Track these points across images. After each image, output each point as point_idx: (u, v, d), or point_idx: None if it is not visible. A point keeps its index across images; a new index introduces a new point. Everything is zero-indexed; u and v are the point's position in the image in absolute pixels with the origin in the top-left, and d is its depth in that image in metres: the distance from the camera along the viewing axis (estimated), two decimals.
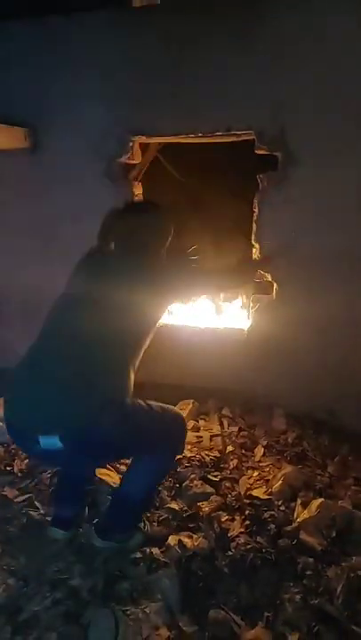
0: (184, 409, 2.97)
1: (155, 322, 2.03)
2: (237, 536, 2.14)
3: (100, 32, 2.67)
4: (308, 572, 1.95)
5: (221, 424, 2.91)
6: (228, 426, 2.92)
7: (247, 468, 2.60)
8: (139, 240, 2.05)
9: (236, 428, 2.89)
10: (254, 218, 2.77)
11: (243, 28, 2.48)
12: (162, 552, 2.07)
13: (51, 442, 1.66)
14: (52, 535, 2.17)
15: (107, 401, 1.75)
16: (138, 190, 2.98)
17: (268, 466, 2.61)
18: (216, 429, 2.85)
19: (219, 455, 2.64)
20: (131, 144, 2.80)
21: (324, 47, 2.41)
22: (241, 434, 2.86)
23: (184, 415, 2.87)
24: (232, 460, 2.63)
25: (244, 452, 2.72)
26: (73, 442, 1.69)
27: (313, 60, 2.44)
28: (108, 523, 2.16)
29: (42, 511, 2.31)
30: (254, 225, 2.78)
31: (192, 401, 3.06)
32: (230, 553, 2.06)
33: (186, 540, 2.11)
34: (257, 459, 2.66)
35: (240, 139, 2.70)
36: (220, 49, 2.53)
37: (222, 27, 2.51)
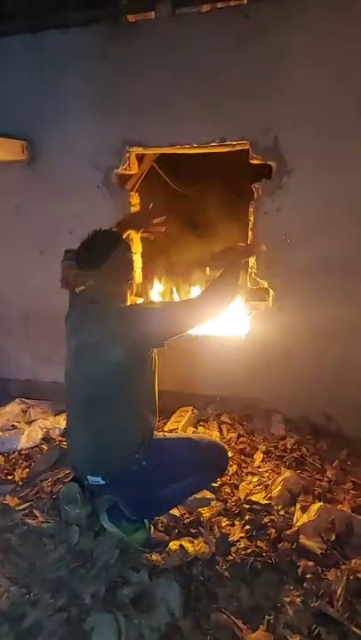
0: (183, 416, 2.99)
1: (143, 370, 2.08)
2: (238, 540, 2.16)
3: (95, 47, 2.73)
4: (309, 575, 1.96)
5: (220, 430, 2.94)
6: (228, 432, 2.94)
7: (247, 474, 2.62)
8: (108, 289, 2.03)
9: (235, 434, 2.91)
10: (250, 226, 2.81)
11: (238, 42, 2.54)
12: (163, 558, 2.09)
13: (96, 479, 2.08)
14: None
15: (126, 446, 2.04)
16: (135, 200, 3.02)
17: (267, 471, 2.62)
18: (215, 436, 2.87)
19: None
20: (127, 155, 2.85)
21: (316, 60, 2.47)
22: (240, 440, 2.88)
23: (183, 422, 2.93)
24: (231, 465, 2.64)
25: (243, 457, 2.74)
26: (112, 479, 2.06)
27: (305, 72, 2.49)
28: (122, 508, 2.19)
29: (41, 519, 2.33)
30: (250, 233, 2.82)
31: (191, 408, 3.08)
32: (231, 557, 2.08)
33: (187, 546, 2.13)
34: (256, 464, 2.68)
35: (235, 149, 2.76)
36: (215, 61, 2.59)
37: (218, 40, 2.57)
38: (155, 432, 2.18)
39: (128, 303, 2.15)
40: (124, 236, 2.39)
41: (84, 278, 2.05)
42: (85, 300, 2.04)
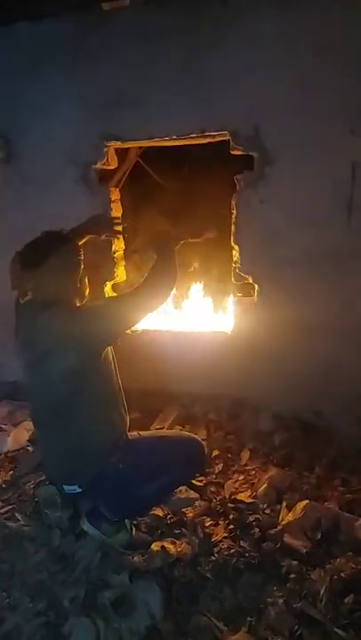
0: (170, 414, 2.94)
1: (101, 371, 2.02)
2: (221, 541, 2.11)
3: (69, 37, 2.68)
4: (292, 575, 1.92)
5: (208, 428, 2.88)
6: (215, 430, 2.89)
7: (233, 472, 2.57)
8: (51, 291, 1.95)
9: (222, 432, 2.86)
10: (233, 219, 2.75)
11: (214, 29, 2.49)
12: (145, 559, 2.04)
13: (72, 488, 2.07)
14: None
15: (98, 451, 2.01)
16: (115, 196, 2.97)
17: (254, 469, 2.57)
18: (202, 434, 2.81)
19: None
20: (105, 149, 2.80)
21: (297, 47, 2.41)
22: (227, 437, 2.83)
23: (169, 421, 2.89)
24: (218, 464, 2.60)
25: (230, 455, 2.69)
26: (88, 486, 2.05)
27: (286, 59, 2.44)
28: (101, 509, 2.14)
29: (23, 522, 2.29)
30: (233, 227, 2.76)
31: (178, 406, 3.03)
32: (213, 558, 2.03)
33: (169, 547, 2.08)
34: (243, 462, 2.63)
35: (215, 140, 2.70)
36: (192, 50, 2.54)
37: (194, 28, 2.52)
38: (128, 432, 2.14)
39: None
40: (84, 240, 2.36)
41: (26, 279, 1.96)
42: (33, 309, 1.94)
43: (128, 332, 2.03)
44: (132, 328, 2.04)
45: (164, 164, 3.90)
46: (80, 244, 2.26)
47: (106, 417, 2.03)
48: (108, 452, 1.99)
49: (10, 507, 2.41)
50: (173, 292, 2.04)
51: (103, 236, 2.57)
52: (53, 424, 2.02)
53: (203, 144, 2.80)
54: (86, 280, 2.10)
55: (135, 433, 2.19)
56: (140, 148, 3.33)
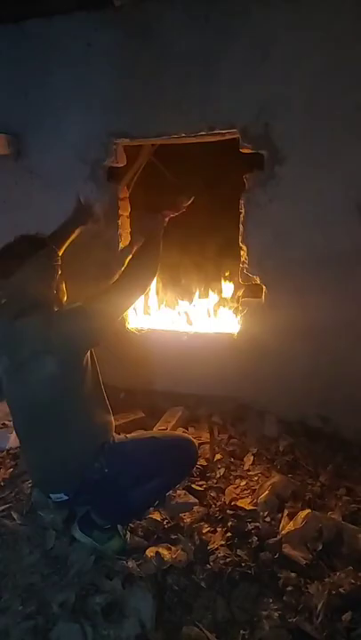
0: (173, 416, 2.89)
1: (84, 374, 1.95)
2: (217, 549, 2.04)
3: (79, 35, 2.65)
4: (289, 588, 1.84)
5: (211, 431, 2.82)
6: (219, 433, 2.82)
7: (235, 477, 2.50)
8: (27, 298, 1.86)
9: (226, 436, 2.80)
10: (241, 219, 2.69)
11: (226, 25, 2.44)
12: (138, 565, 1.99)
13: (58, 496, 2.02)
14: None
15: (81, 457, 1.95)
16: (124, 194, 2.93)
17: (256, 475, 2.50)
18: (205, 437, 2.75)
19: (206, 464, 2.55)
20: (114, 147, 2.76)
21: (310, 45, 2.35)
22: (231, 441, 2.76)
23: (173, 423, 2.83)
24: (220, 468, 2.53)
25: (232, 460, 2.62)
26: (75, 493, 2.01)
27: (298, 57, 2.38)
28: (92, 517, 2.10)
29: (19, 522, 2.26)
30: (241, 226, 2.70)
31: (182, 408, 2.97)
32: (209, 566, 1.96)
33: (164, 553, 2.02)
34: (246, 467, 2.56)
35: (225, 137, 2.65)
36: (202, 47, 2.50)
37: (205, 23, 2.47)
38: (114, 435, 2.09)
39: None
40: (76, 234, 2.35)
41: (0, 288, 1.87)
42: (9, 315, 1.86)
43: (116, 331, 1.96)
44: (116, 324, 1.96)
45: (178, 163, 3.86)
46: (72, 238, 2.31)
47: (90, 421, 1.98)
48: (91, 458, 1.94)
49: (7, 505, 2.38)
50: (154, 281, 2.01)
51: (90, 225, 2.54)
52: (36, 432, 1.98)
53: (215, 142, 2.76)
54: (63, 285, 2.03)
55: (122, 435, 2.14)
56: (153, 145, 3.30)
